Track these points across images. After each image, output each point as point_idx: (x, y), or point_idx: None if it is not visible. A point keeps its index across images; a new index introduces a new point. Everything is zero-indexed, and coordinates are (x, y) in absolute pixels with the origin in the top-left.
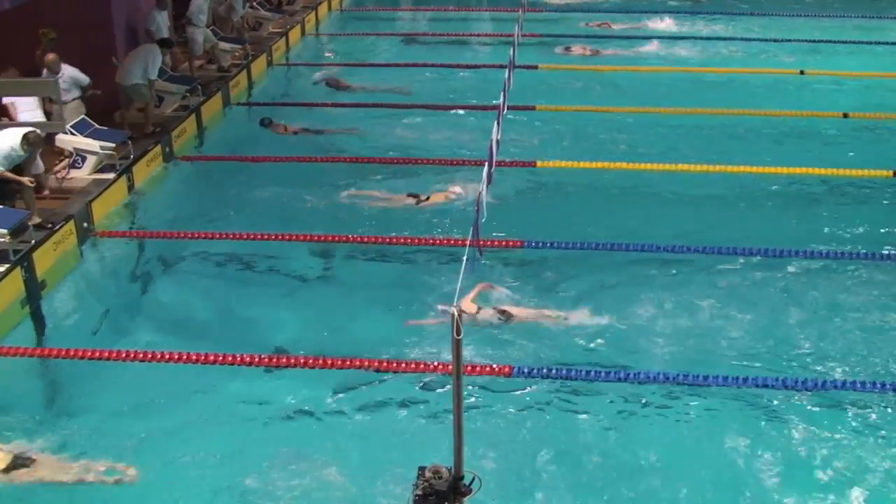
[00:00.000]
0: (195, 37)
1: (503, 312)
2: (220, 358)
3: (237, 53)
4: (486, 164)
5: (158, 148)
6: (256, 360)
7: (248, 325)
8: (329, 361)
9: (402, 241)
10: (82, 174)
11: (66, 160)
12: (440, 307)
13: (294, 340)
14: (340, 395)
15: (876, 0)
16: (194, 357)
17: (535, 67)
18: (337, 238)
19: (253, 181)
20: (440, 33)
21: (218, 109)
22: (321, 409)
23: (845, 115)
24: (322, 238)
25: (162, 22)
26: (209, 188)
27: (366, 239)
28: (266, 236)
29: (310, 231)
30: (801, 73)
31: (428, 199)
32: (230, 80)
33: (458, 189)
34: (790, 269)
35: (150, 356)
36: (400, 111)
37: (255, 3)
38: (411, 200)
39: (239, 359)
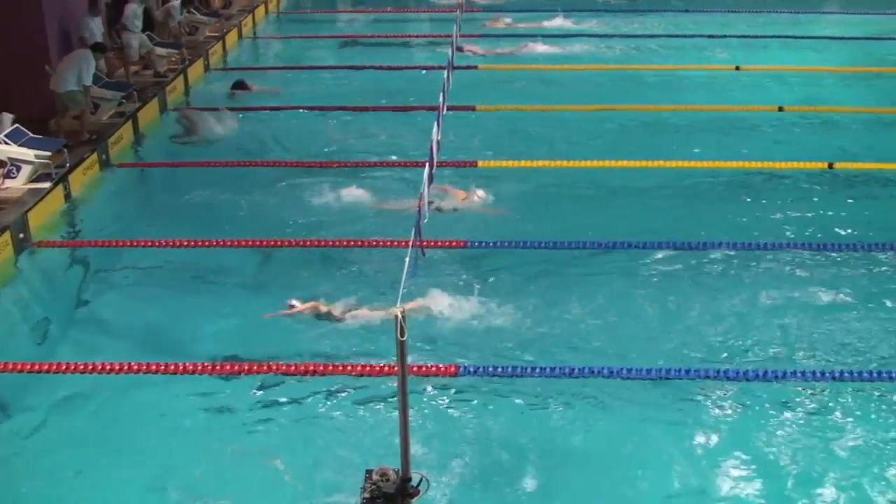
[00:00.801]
0: (130, 42)
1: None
2: (163, 367)
3: (174, 58)
4: (427, 164)
5: (95, 155)
6: (199, 368)
7: (190, 332)
8: (274, 367)
9: (344, 243)
10: (17, 184)
11: (0, 170)
12: (290, 302)
13: (237, 347)
14: (286, 401)
15: None
16: (135, 367)
17: (475, 68)
18: (278, 242)
19: (192, 187)
20: (379, 35)
21: (155, 115)
22: (267, 414)
23: (780, 109)
24: (263, 243)
25: (96, 28)
26: (147, 195)
27: (308, 242)
28: (206, 242)
29: (251, 236)
30: (737, 68)
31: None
32: (167, 86)
33: (481, 192)
34: (726, 260)
35: (90, 367)
36: (339, 113)
37: (191, 8)
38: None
39: (181, 367)
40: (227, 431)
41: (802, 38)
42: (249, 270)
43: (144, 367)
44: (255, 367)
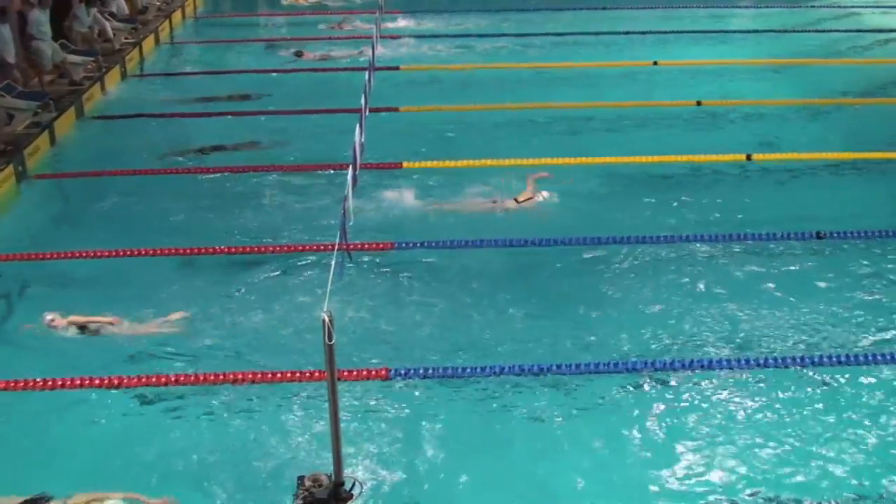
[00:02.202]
0: (42, 50)
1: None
2: (98, 381)
3: (89, 66)
4: (351, 167)
5: (11, 168)
6: (126, 381)
7: (114, 344)
8: (202, 377)
9: (270, 249)
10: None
11: None
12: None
13: (164, 357)
14: (216, 411)
15: None
16: (68, 382)
17: (397, 69)
18: (204, 250)
19: (113, 196)
20: (299, 38)
21: (72, 124)
22: (198, 425)
23: (699, 103)
24: (188, 251)
25: (7, 34)
26: (67, 206)
27: (234, 249)
28: (130, 252)
29: (176, 244)
30: (655, 63)
31: (522, 201)
32: (83, 94)
33: (545, 193)
34: (650, 254)
35: (12, 384)
36: (260, 117)
37: (106, 14)
38: (491, 204)
39: (107, 381)
40: (149, 445)
41: (718, 32)
42: (171, 279)
43: (69, 383)
44: (181, 378)
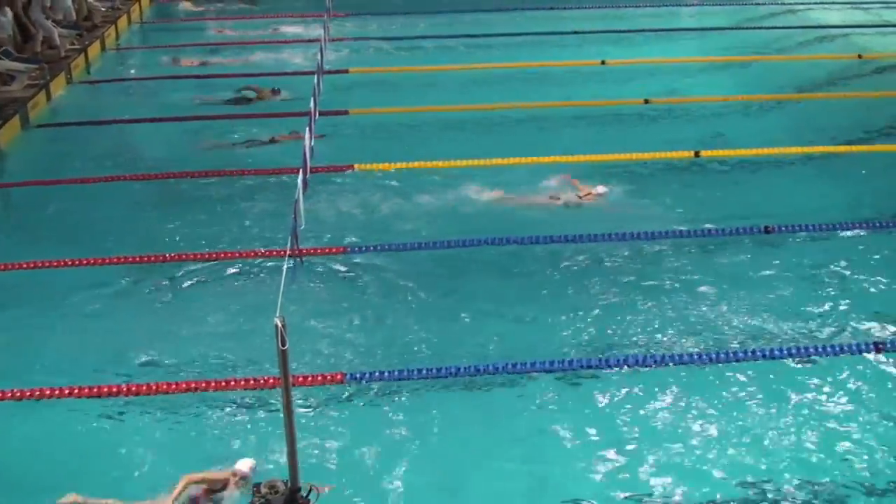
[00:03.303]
0: None
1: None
2: (47, 392)
3: (33, 74)
4: (301, 171)
5: None
6: (76, 391)
7: (61, 355)
8: (154, 387)
9: (221, 255)
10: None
11: None
12: None
13: (117, 368)
14: (167, 420)
15: None
16: (18, 393)
17: (346, 72)
18: (153, 258)
19: (61, 205)
20: (245, 42)
21: (17, 133)
22: (150, 434)
23: (646, 101)
24: (136, 259)
25: None
26: (10, 217)
27: (183, 256)
28: (75, 262)
29: (123, 253)
30: (603, 62)
31: (581, 196)
32: (28, 102)
33: (601, 188)
34: (600, 251)
35: None
36: (210, 122)
37: (52, 21)
38: (549, 200)
39: (58, 391)
40: (100, 456)
41: (664, 30)
42: (118, 289)
43: (19, 394)
44: (132, 389)
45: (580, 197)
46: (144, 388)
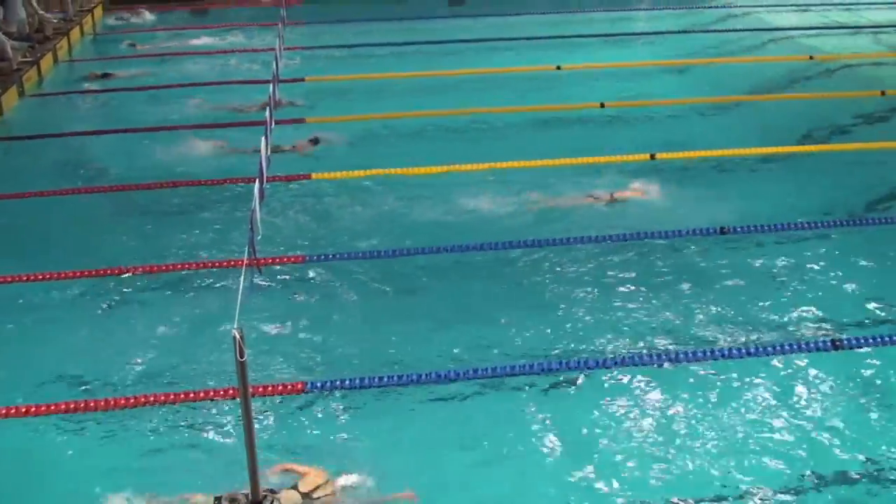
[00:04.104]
0: None
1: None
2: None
3: None
4: (257, 180)
5: None
6: (33, 409)
7: (8, 371)
8: (112, 402)
9: (176, 267)
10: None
11: None
12: None
13: (73, 381)
14: (126, 435)
15: None
16: None
17: (302, 80)
18: (107, 271)
19: (9, 220)
20: (200, 52)
21: None
22: (110, 451)
23: (602, 105)
24: (89, 273)
25: None
26: None
27: (139, 269)
28: (28, 277)
29: (76, 267)
30: (558, 67)
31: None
32: None
33: (637, 185)
34: (559, 256)
35: None
36: (163, 133)
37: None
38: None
39: (15, 410)
40: (51, 475)
41: (618, 35)
42: (73, 302)
43: None
44: (91, 404)
45: (612, 196)
46: (103, 402)
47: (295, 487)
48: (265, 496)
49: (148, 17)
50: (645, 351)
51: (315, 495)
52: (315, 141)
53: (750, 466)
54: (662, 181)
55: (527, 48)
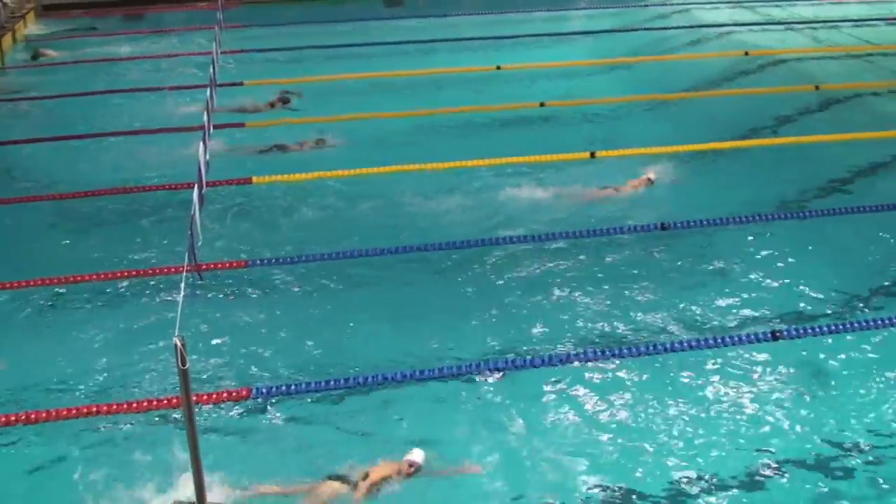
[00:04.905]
0: None
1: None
2: None
3: None
4: (196, 185)
5: None
6: None
7: None
8: (53, 413)
9: (118, 275)
10: None
11: None
12: None
13: (13, 394)
14: (71, 448)
15: None
16: None
17: (241, 84)
18: (40, 282)
19: None
20: (137, 57)
21: None
22: (52, 464)
23: (542, 105)
24: (25, 284)
25: None
26: None
27: (78, 278)
28: None
29: (14, 278)
30: (498, 68)
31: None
32: None
33: (652, 175)
34: (505, 253)
35: None
36: (100, 140)
37: None
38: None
39: None
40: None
41: (557, 34)
42: (11, 313)
43: None
44: (31, 416)
45: (633, 187)
46: (44, 414)
47: (366, 477)
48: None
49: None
50: (588, 347)
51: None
52: (321, 142)
53: (695, 456)
54: (602, 179)
55: (466, 49)
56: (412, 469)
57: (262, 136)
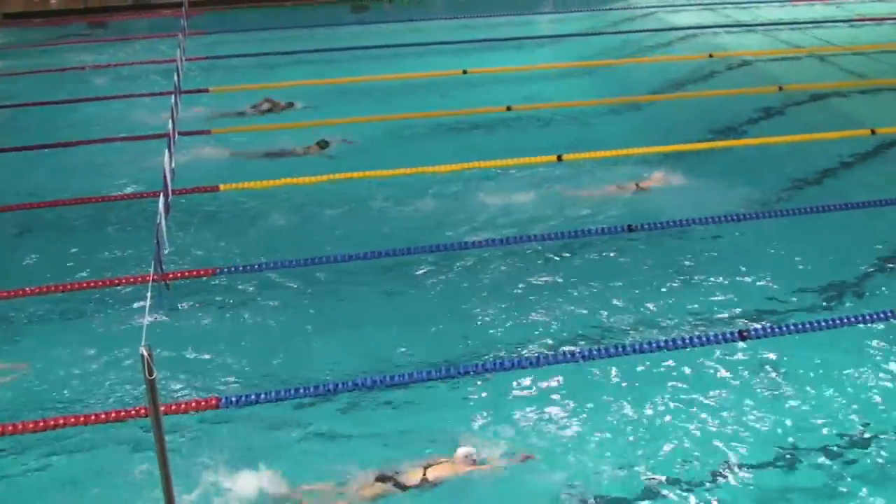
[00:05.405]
0: None
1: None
2: None
3: None
4: (162, 194)
5: None
6: None
7: None
8: (20, 426)
9: (83, 286)
10: None
11: None
12: None
13: None
14: (38, 461)
15: None
16: None
17: (206, 91)
18: (4, 294)
19: None
20: (101, 65)
21: None
22: (19, 478)
23: (509, 108)
24: None
25: None
26: None
27: (44, 289)
28: None
29: None
30: (464, 72)
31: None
32: None
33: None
34: (471, 258)
35: None
36: (60, 150)
37: None
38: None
39: None
40: None
41: (524, 38)
42: None
43: None
44: None
45: (638, 186)
46: (10, 427)
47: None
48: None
49: None
50: (558, 350)
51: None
52: (324, 144)
53: (660, 457)
54: (569, 182)
55: (432, 53)
56: (469, 462)
57: (228, 141)
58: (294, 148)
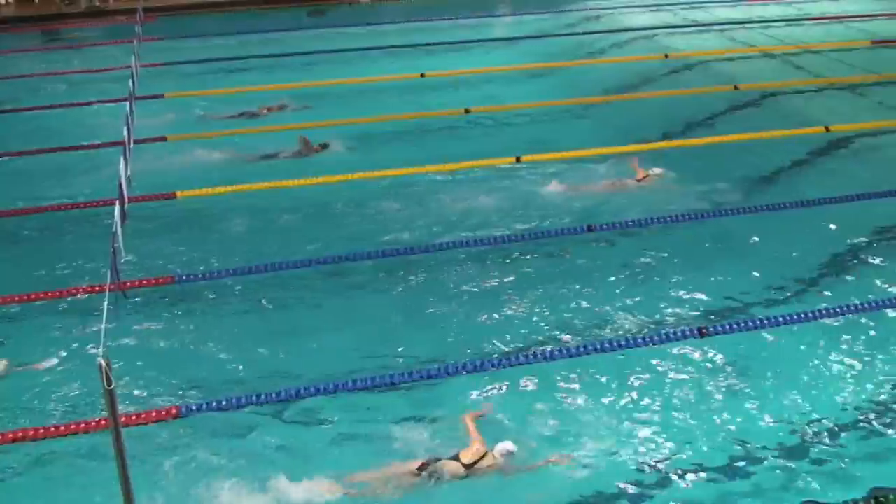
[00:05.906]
0: None
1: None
2: None
3: None
4: (118, 202)
5: None
6: None
7: None
8: None
9: (39, 296)
10: None
11: None
12: None
13: None
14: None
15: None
16: None
17: (161, 97)
18: None
19: None
20: (51, 73)
21: None
22: None
23: (467, 111)
24: None
25: None
26: None
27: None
28: None
29: None
30: (422, 75)
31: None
32: None
33: (658, 170)
34: (433, 261)
35: None
36: (14, 159)
37: None
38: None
39: None
40: None
41: (481, 41)
42: None
43: None
44: None
45: (638, 180)
46: None
47: (456, 458)
48: (427, 463)
49: None
50: (520, 351)
51: (477, 466)
52: (324, 146)
53: (620, 454)
54: (528, 184)
55: (390, 57)
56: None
57: (184, 148)
58: (254, 153)
